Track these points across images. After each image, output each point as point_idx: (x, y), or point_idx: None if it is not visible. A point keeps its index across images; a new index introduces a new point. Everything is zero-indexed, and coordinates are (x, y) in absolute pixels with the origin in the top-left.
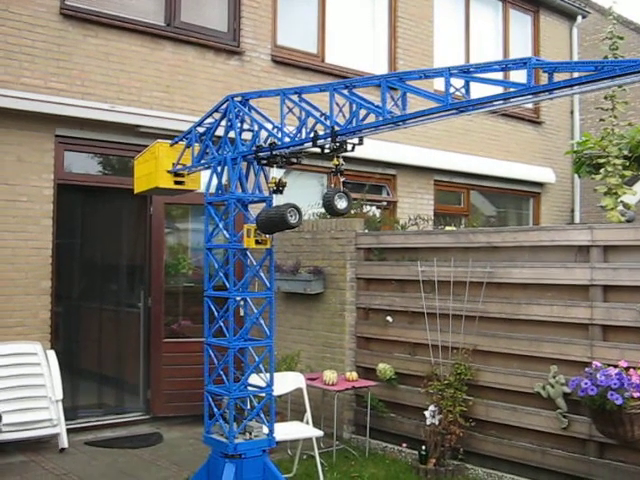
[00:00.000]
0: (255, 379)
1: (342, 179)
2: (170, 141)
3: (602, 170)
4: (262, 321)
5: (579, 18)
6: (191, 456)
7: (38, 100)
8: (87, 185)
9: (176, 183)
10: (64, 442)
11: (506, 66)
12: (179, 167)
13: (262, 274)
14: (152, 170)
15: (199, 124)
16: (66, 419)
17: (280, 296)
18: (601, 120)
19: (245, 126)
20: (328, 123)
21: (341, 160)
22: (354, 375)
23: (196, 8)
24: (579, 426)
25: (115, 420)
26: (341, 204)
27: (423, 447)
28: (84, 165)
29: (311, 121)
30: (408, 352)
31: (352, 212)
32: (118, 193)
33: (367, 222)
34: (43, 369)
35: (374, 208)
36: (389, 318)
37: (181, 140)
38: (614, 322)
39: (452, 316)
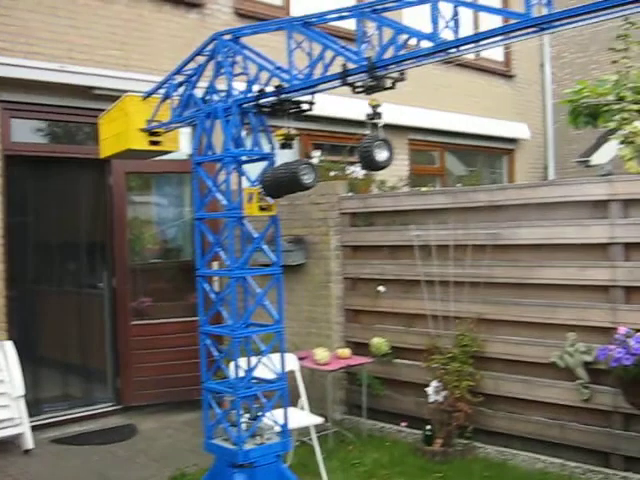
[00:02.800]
0: (260, 370)
1: (380, 123)
2: (142, 94)
3: (617, 117)
4: (267, 302)
5: None
6: (171, 450)
7: None
8: (38, 155)
9: (152, 144)
10: (29, 442)
11: None
12: (155, 124)
13: (266, 247)
14: (122, 129)
15: (178, 71)
16: (29, 415)
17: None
18: (613, 62)
19: (237, 71)
20: (358, 55)
21: (379, 101)
22: (346, 352)
23: None
24: (602, 397)
25: (83, 413)
26: (381, 155)
27: (428, 427)
28: (34, 134)
29: (329, 55)
30: (404, 324)
31: (332, 174)
32: (73, 163)
33: (350, 185)
34: (0, 363)
35: (357, 170)
36: (381, 288)
37: (155, 92)
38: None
39: (453, 283)
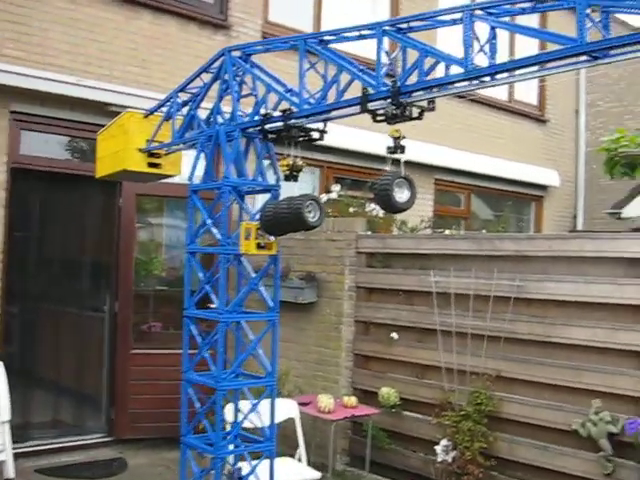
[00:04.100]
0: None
1: (402, 158)
2: (143, 111)
3: None
4: (261, 351)
5: None
6: None
7: None
8: (47, 170)
9: (150, 166)
10: (9, 472)
11: None
12: (155, 145)
13: (263, 289)
14: (120, 148)
15: (182, 89)
16: (16, 441)
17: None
18: None
19: (245, 91)
20: (377, 79)
21: (401, 132)
22: (353, 400)
23: None
24: (627, 473)
25: (73, 442)
26: (401, 195)
27: None
28: (44, 147)
29: (344, 79)
30: (416, 375)
31: (351, 210)
32: (83, 181)
33: (369, 223)
34: None
35: (378, 208)
36: (394, 334)
37: (158, 110)
38: None
39: (471, 335)
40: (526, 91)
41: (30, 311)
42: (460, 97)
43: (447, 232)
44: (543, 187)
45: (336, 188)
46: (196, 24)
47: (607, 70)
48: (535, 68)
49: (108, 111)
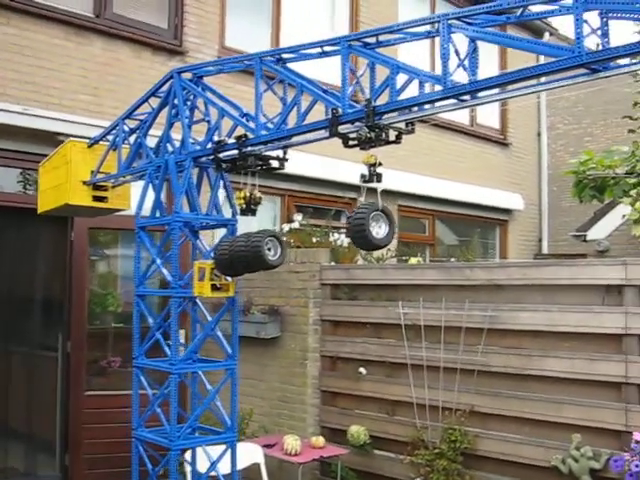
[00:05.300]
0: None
1: (379, 187)
2: (88, 140)
3: (633, 192)
4: (219, 403)
5: None
6: None
7: None
8: None
9: (95, 199)
10: None
11: None
12: (100, 176)
13: (220, 334)
14: (62, 181)
15: (128, 115)
16: None
17: (228, 340)
18: (630, 132)
19: (198, 117)
20: (342, 101)
21: (377, 158)
22: (320, 440)
23: None
24: None
25: None
26: (379, 230)
27: None
28: None
29: (306, 100)
30: (386, 411)
31: (314, 240)
32: (33, 215)
33: (333, 253)
34: None
35: (342, 237)
36: (362, 370)
37: (103, 138)
38: None
39: (443, 369)
40: (488, 114)
41: None
42: (422, 122)
43: (413, 260)
44: (507, 211)
45: (298, 217)
46: (150, 50)
47: (562, 93)
48: (527, 83)
49: (58, 141)
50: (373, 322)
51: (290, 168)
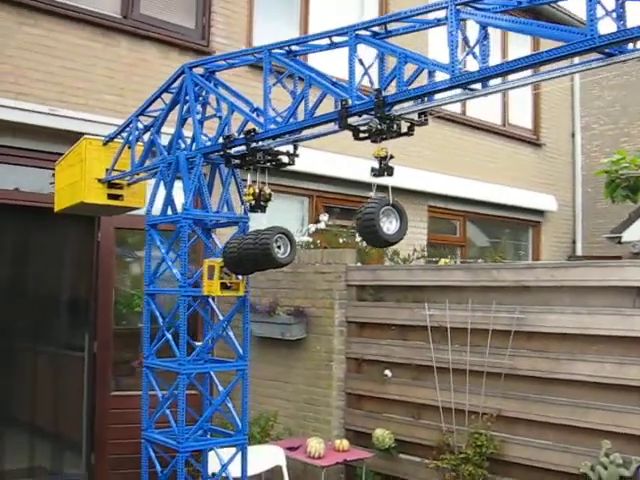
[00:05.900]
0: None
1: (390, 183)
2: (103, 137)
3: None
4: (230, 405)
5: None
6: None
7: None
8: (21, 204)
9: (110, 197)
10: None
11: None
12: (115, 174)
13: (232, 335)
14: (77, 178)
15: (142, 112)
16: None
17: (252, 341)
18: None
19: (210, 113)
20: (350, 92)
21: (388, 151)
22: (345, 444)
23: None
24: None
25: None
26: (389, 225)
27: None
28: (18, 180)
29: (314, 93)
30: (411, 415)
31: (340, 241)
32: (60, 215)
33: (359, 254)
34: None
35: None
36: (388, 372)
37: (118, 136)
38: None
39: (469, 372)
40: (520, 115)
41: (4, 350)
42: (452, 121)
43: (442, 262)
44: (540, 212)
45: (324, 218)
46: (177, 50)
47: (601, 93)
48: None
49: None
50: (399, 324)
51: (317, 168)
